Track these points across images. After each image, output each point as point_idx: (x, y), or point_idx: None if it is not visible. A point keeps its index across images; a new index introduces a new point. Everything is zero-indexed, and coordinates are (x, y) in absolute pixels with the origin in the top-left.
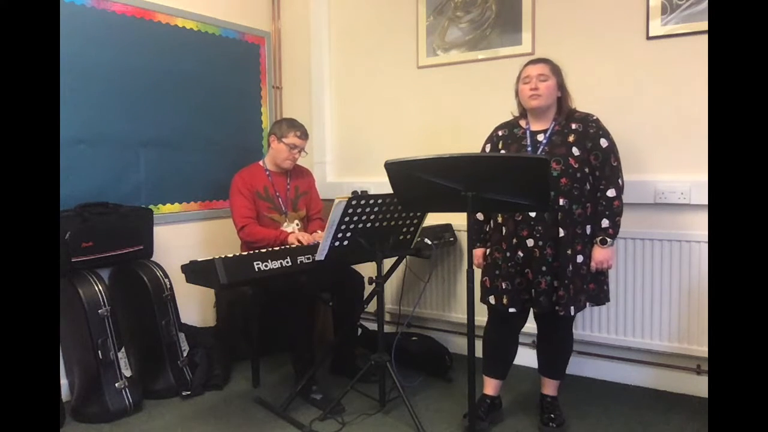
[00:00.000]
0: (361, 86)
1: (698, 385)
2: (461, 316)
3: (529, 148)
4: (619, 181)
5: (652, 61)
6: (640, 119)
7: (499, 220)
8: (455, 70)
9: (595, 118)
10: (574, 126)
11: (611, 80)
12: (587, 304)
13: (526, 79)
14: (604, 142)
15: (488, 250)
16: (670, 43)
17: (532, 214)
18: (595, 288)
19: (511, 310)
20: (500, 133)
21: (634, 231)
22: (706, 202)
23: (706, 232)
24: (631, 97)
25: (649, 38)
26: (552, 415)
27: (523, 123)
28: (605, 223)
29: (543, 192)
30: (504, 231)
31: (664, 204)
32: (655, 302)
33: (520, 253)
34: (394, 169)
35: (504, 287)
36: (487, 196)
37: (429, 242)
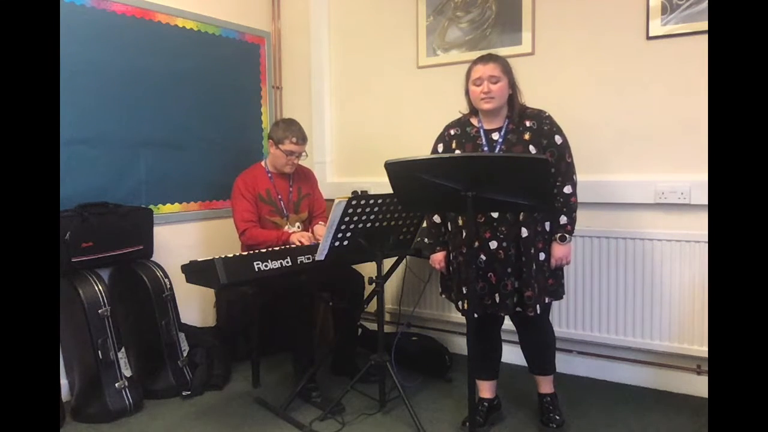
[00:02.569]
0: (361, 86)
1: (698, 385)
2: (461, 316)
3: (485, 148)
4: (574, 177)
5: (652, 61)
6: (640, 119)
7: (459, 222)
8: (455, 70)
9: (547, 114)
10: (528, 123)
11: (611, 80)
12: (546, 299)
13: (477, 81)
14: (558, 139)
15: (452, 254)
16: (670, 43)
17: (495, 215)
18: (554, 283)
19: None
20: (452, 132)
21: (634, 231)
22: (706, 202)
23: (706, 232)
24: (631, 97)
25: (649, 38)
26: (552, 416)
27: (474, 121)
28: (563, 219)
29: (544, 191)
30: (465, 234)
31: (664, 204)
32: (655, 302)
33: (483, 256)
34: (394, 169)
35: (464, 291)
36: (487, 196)
37: (429, 242)
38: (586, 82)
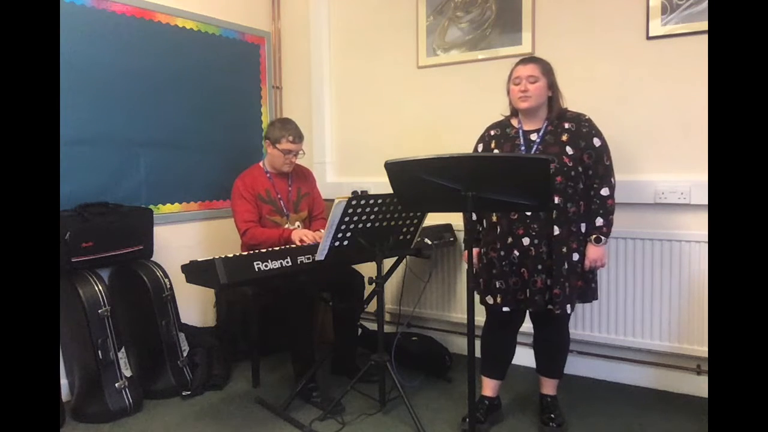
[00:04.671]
0: (361, 86)
1: (698, 385)
2: (461, 316)
3: (523, 148)
4: (612, 180)
5: (652, 61)
6: (640, 119)
7: (494, 219)
8: (455, 70)
9: (587, 117)
10: (567, 125)
11: (611, 80)
12: (576, 301)
13: (516, 80)
14: (597, 142)
15: (483, 250)
16: (670, 43)
17: (528, 212)
18: (582, 285)
19: (505, 309)
20: (492, 132)
21: (634, 231)
22: (706, 202)
23: (706, 232)
24: (631, 97)
25: (649, 38)
26: (552, 415)
27: (515, 122)
28: (599, 221)
29: (544, 192)
30: (498, 230)
31: (664, 204)
32: (655, 302)
33: (516, 252)
34: (394, 169)
35: (498, 286)
36: (487, 196)
37: (429, 242)
38: (586, 82)
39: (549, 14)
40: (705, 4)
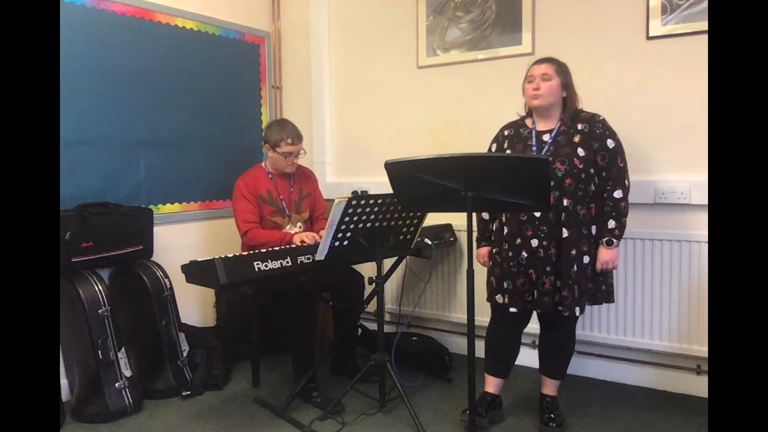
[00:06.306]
0: (361, 86)
1: (698, 385)
2: (461, 316)
3: (534, 148)
4: (626, 182)
5: (652, 61)
6: (641, 119)
7: (503, 219)
8: (455, 70)
9: (601, 118)
10: (580, 126)
11: (611, 80)
12: (586, 303)
13: (530, 78)
14: (610, 143)
15: (494, 250)
16: (670, 43)
17: (537, 214)
18: (593, 287)
19: (512, 309)
20: (506, 132)
21: (634, 231)
22: (706, 202)
23: (706, 232)
24: (631, 97)
25: (649, 38)
26: (552, 415)
27: (529, 122)
28: (611, 224)
29: (543, 192)
30: (506, 230)
31: (664, 204)
32: (655, 302)
33: (524, 253)
34: (394, 169)
35: (506, 286)
36: (487, 196)
37: (429, 242)
38: (586, 83)
39: (549, 14)
40: (705, 4)
